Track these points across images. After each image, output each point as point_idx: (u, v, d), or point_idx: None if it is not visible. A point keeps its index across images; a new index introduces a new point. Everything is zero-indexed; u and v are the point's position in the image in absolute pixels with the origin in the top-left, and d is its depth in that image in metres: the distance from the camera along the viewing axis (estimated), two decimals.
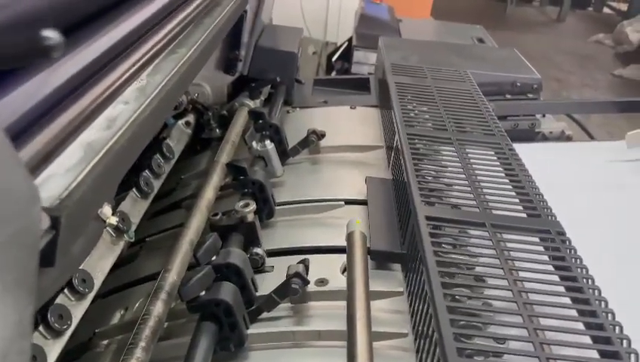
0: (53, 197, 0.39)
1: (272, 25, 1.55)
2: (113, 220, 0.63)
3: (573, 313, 0.61)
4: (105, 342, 0.81)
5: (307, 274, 0.75)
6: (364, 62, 2.90)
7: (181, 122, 1.33)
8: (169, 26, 0.73)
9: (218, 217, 0.82)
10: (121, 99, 0.58)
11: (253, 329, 0.71)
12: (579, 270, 0.67)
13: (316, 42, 4.12)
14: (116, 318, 0.85)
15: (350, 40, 3.11)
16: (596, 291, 0.64)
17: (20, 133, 0.40)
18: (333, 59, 3.13)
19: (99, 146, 0.47)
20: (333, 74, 2.65)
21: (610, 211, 0.98)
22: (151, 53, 0.65)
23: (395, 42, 1.55)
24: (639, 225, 0.94)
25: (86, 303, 0.81)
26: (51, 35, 0.37)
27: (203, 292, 0.66)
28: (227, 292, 0.66)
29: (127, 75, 0.60)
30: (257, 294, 0.76)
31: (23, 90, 0.41)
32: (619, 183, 1.07)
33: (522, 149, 1.25)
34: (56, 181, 0.40)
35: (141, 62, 0.63)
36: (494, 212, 0.78)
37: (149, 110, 0.57)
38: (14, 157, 0.30)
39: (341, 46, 3.24)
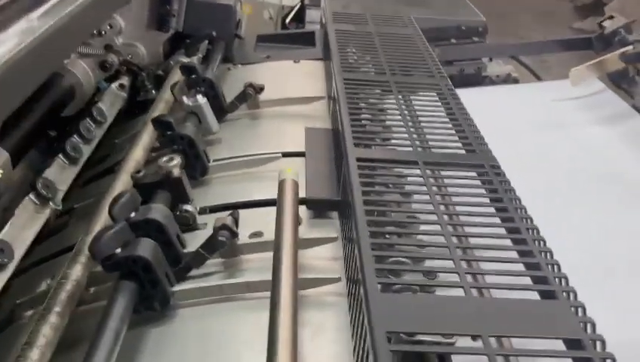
0: None
1: None
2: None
3: (505, 243, 0.59)
4: (29, 312, 0.76)
5: (237, 226, 0.71)
6: (318, 21, 2.83)
7: (114, 85, 1.26)
8: None
9: (141, 174, 0.77)
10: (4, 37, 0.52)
11: (181, 286, 0.67)
12: (511, 201, 0.65)
13: (273, 6, 4.00)
14: (43, 288, 0.80)
15: (303, 0, 3.02)
16: (528, 220, 0.62)
17: None
18: (287, 21, 3.04)
19: None
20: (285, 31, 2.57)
21: (549, 150, 0.97)
22: None
23: None
24: (576, 163, 0.94)
25: (6, 274, 0.76)
26: None
27: (119, 250, 0.62)
28: (145, 248, 0.62)
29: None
30: (186, 251, 0.72)
31: None
32: (560, 122, 1.07)
33: (468, 93, 1.23)
34: None
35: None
36: (430, 151, 0.75)
37: (33, 50, 0.51)
38: None
39: (294, 7, 3.15)
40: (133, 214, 0.67)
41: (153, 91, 1.27)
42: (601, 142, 1.01)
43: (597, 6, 5.13)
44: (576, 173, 0.96)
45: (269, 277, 0.65)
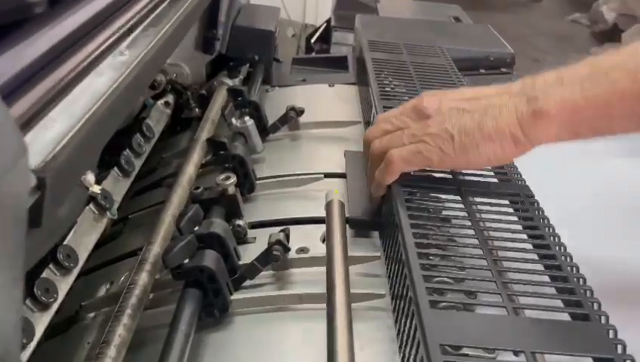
0: (37, 161, 0.41)
1: (250, 4, 1.55)
2: (97, 188, 0.64)
3: (539, 267, 0.65)
4: (91, 314, 0.82)
5: (288, 242, 0.77)
6: (343, 42, 2.90)
7: (160, 102, 1.33)
8: (145, 1, 0.74)
9: (199, 191, 0.84)
10: (101, 69, 0.59)
11: (237, 296, 0.73)
12: (546, 229, 0.70)
13: (295, 24, 4.10)
14: (102, 292, 0.87)
15: (329, 21, 3.11)
16: (562, 247, 0.67)
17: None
18: (312, 40, 3.13)
19: (81, 113, 0.48)
20: (318, 54, 2.65)
21: (571, 177, 1.02)
22: (129, 25, 0.66)
23: (371, 20, 1.56)
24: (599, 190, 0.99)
25: (71, 278, 0.83)
26: None
27: (187, 261, 0.68)
28: (210, 259, 0.69)
29: (107, 45, 0.62)
30: (241, 263, 0.78)
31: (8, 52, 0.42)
32: (583, 150, 1.12)
33: None
34: (40, 145, 0.42)
35: (120, 33, 0.64)
36: (466, 178, 0.81)
37: (129, 80, 0.58)
38: (5, 114, 0.32)
39: (320, 27, 3.24)
40: (196, 228, 0.74)
41: (196, 110, 1.34)
42: (626, 171, 1.05)
43: (614, 32, 5.19)
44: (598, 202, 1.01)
45: (319, 290, 0.71)
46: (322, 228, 0.85)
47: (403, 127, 0.75)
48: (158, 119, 1.31)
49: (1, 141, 0.31)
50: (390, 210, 0.75)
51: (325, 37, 3.07)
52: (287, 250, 0.75)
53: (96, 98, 0.53)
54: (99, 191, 0.65)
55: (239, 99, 1.11)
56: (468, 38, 1.45)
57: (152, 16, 0.78)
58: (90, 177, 0.59)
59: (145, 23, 0.75)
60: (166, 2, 0.86)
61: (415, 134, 0.73)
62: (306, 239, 0.85)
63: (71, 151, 0.45)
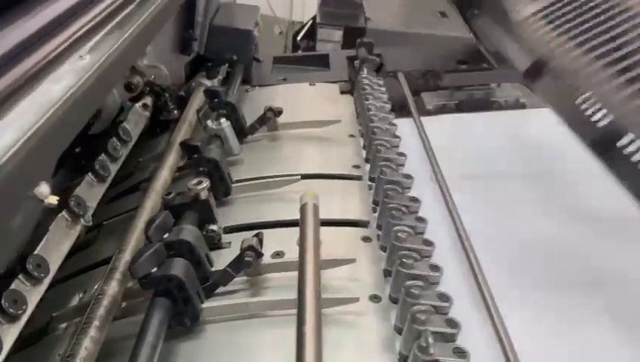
0: None
1: (228, 3, 1.53)
2: (53, 199, 0.62)
3: None
4: (63, 325, 0.81)
5: (262, 247, 0.76)
6: (329, 39, 2.88)
7: (138, 105, 1.31)
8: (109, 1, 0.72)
9: (171, 196, 0.82)
10: (59, 75, 0.57)
11: (209, 304, 0.72)
12: None
13: (282, 22, 4.07)
14: (75, 302, 0.85)
15: (314, 18, 3.08)
16: None
17: None
18: (299, 38, 3.10)
19: (32, 122, 0.47)
20: (300, 52, 2.64)
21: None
22: (91, 26, 0.64)
23: None
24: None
25: (42, 288, 0.81)
26: None
27: (155, 269, 0.67)
28: (179, 267, 0.67)
29: (65, 48, 0.60)
30: (214, 269, 0.76)
31: None
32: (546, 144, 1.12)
33: (478, 117, 1.29)
34: None
35: (80, 34, 0.62)
36: None
37: (88, 86, 0.56)
38: None
39: (306, 24, 3.21)
40: (166, 235, 0.72)
41: (175, 111, 1.32)
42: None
43: None
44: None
45: (292, 295, 0.70)
46: (298, 230, 0.83)
47: None
48: (136, 122, 1.28)
49: None
50: None
51: (311, 34, 3.05)
52: (259, 255, 0.74)
53: (49, 106, 0.51)
54: (55, 203, 0.63)
55: (215, 100, 1.09)
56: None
57: (118, 17, 0.76)
58: (45, 188, 0.57)
59: (110, 25, 0.73)
60: (133, 3, 0.84)
61: None
62: (281, 243, 0.83)
63: (19, 163, 0.43)
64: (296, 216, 0.85)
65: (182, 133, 1.11)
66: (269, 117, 1.11)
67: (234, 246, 0.84)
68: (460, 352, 0.57)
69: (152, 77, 1.35)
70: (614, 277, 0.81)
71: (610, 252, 0.85)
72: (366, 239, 0.86)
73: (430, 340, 0.56)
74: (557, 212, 0.95)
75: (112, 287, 0.71)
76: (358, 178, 1.02)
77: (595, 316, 0.74)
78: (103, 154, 1.11)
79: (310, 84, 1.38)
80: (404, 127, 1.15)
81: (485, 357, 0.63)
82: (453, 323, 0.60)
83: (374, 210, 0.91)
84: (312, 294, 0.66)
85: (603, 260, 0.85)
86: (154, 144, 1.28)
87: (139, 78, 1.31)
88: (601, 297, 0.77)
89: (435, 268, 0.69)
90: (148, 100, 1.34)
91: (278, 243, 0.83)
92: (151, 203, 0.88)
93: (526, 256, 0.85)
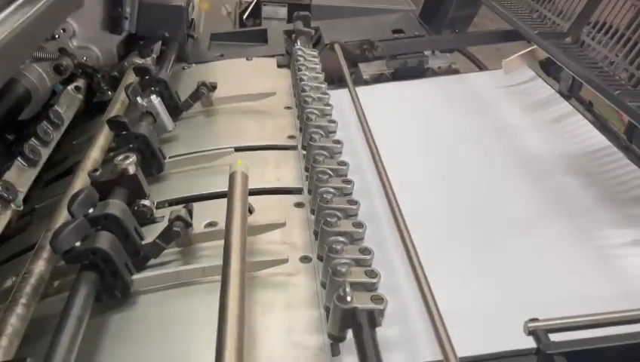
0: None
1: None
2: None
3: None
4: None
5: (191, 217, 0.76)
6: (274, 17, 2.86)
7: (70, 87, 1.28)
8: None
9: (98, 173, 0.82)
10: None
11: (140, 275, 0.72)
12: None
13: (230, 1, 3.99)
14: (8, 285, 0.84)
15: None
16: None
17: None
18: (244, 16, 3.06)
19: None
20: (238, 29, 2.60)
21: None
22: None
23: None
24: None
25: None
26: None
27: (78, 244, 0.67)
28: (103, 240, 0.67)
29: None
30: (144, 243, 0.77)
31: None
32: (487, 107, 1.17)
33: (411, 85, 1.32)
34: None
35: None
36: None
37: None
38: None
39: (252, 3, 3.17)
40: (91, 210, 0.72)
41: (109, 92, 1.30)
42: (518, 122, 1.11)
43: None
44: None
45: (221, 261, 0.71)
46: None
47: None
48: (68, 105, 1.26)
49: None
50: None
51: (257, 12, 3.02)
52: (188, 225, 0.75)
53: None
54: None
55: (146, 77, 1.08)
56: None
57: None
58: None
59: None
60: None
61: None
62: (215, 214, 0.84)
63: None
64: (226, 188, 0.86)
65: (114, 113, 1.09)
66: (203, 92, 1.11)
67: (167, 219, 0.85)
68: (378, 299, 0.60)
69: (84, 58, 1.32)
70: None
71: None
72: (298, 205, 0.88)
73: (348, 290, 0.59)
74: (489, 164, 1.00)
75: (39, 266, 0.71)
76: (293, 148, 1.03)
77: None
78: (33, 139, 1.09)
79: (247, 59, 1.38)
80: (343, 96, 1.17)
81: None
82: (372, 274, 0.63)
83: (307, 178, 0.92)
84: (237, 257, 0.67)
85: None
86: (89, 126, 1.26)
87: (68, 60, 1.28)
88: None
89: (358, 224, 0.72)
90: (80, 82, 1.31)
91: (212, 214, 0.84)
92: (80, 183, 0.87)
93: (453, 218, 0.89)
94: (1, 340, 0.61)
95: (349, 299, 0.59)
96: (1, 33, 0.60)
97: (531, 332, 0.60)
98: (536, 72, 1.29)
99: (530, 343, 0.60)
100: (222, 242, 0.76)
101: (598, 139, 1.05)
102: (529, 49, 1.27)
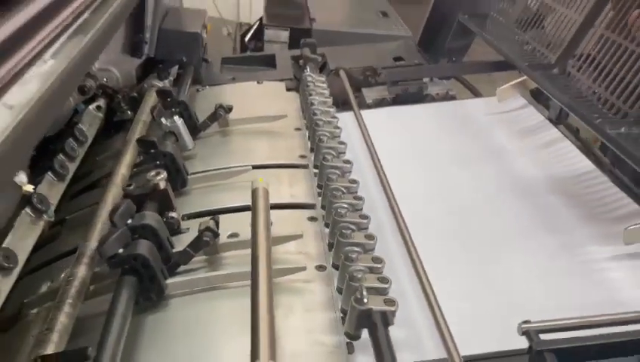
0: None
1: (176, 7, 1.59)
2: (29, 188, 0.68)
3: None
4: (34, 311, 0.87)
5: (218, 228, 0.84)
6: (276, 40, 2.97)
7: (92, 107, 1.36)
8: (68, 10, 0.79)
9: (132, 187, 0.89)
10: (28, 77, 0.64)
11: (172, 280, 0.80)
12: None
13: (230, 23, 4.11)
14: (44, 290, 0.91)
15: (261, 19, 3.16)
16: None
17: None
18: (246, 39, 3.17)
19: (12, 117, 0.54)
20: (248, 53, 2.72)
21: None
22: (51, 36, 0.71)
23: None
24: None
25: (12, 278, 0.86)
26: None
27: (121, 250, 0.74)
28: (143, 247, 0.75)
29: (30, 56, 0.66)
30: (175, 251, 0.84)
31: None
32: (478, 131, 1.27)
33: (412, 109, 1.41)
34: None
35: (43, 44, 0.69)
36: None
37: (55, 87, 0.64)
38: None
39: (253, 26, 3.28)
40: (129, 221, 0.80)
41: (129, 112, 1.38)
42: (510, 146, 1.20)
43: None
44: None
45: (245, 268, 0.79)
46: (250, 214, 0.92)
47: None
48: (90, 123, 1.33)
49: None
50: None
51: (259, 35, 3.13)
52: (216, 235, 0.83)
53: (17, 111, 0.58)
54: (32, 190, 0.69)
55: (168, 99, 1.17)
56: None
57: (77, 23, 0.83)
58: (23, 177, 0.64)
59: (69, 31, 0.80)
60: (90, 10, 0.91)
61: None
62: (236, 225, 0.92)
63: (12, 140, 0.50)
64: (249, 202, 0.94)
65: (137, 131, 1.17)
66: (220, 113, 1.19)
67: (192, 231, 0.92)
68: (390, 301, 0.68)
69: (105, 80, 1.41)
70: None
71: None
72: (312, 219, 0.96)
73: (364, 293, 0.67)
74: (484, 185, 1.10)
75: (81, 271, 0.78)
76: (305, 166, 1.12)
77: None
78: (60, 154, 1.16)
79: (258, 83, 1.47)
80: (348, 119, 1.27)
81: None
82: (384, 280, 0.71)
83: (319, 194, 1.01)
84: (264, 265, 0.75)
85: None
86: (110, 143, 1.33)
87: (91, 81, 1.36)
88: None
89: (370, 236, 0.80)
90: (101, 102, 1.39)
91: (233, 226, 0.92)
92: (112, 196, 0.95)
93: (451, 226, 0.99)
94: (53, 335, 0.69)
95: (365, 301, 0.67)
96: (59, 68, 0.68)
97: (524, 333, 0.68)
98: (528, 99, 1.40)
99: (523, 343, 0.68)
100: (244, 251, 0.85)
101: (584, 163, 1.15)
102: (520, 79, 1.37)
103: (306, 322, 0.76)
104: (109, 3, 0.98)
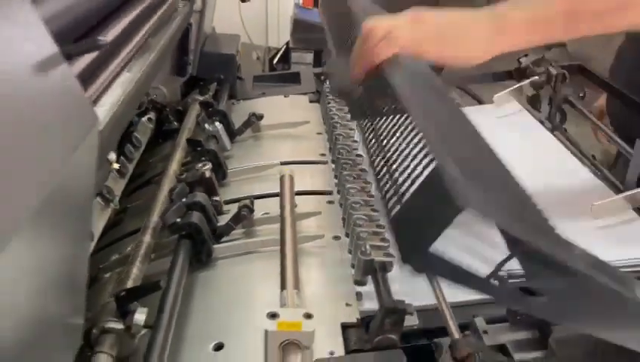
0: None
1: (214, 33, 1.84)
2: (116, 165, 0.90)
3: None
4: (108, 274, 1.08)
5: (253, 206, 1.05)
6: (301, 62, 3.23)
7: (144, 119, 1.60)
8: (137, 37, 1.02)
9: (184, 176, 1.11)
10: (118, 82, 0.87)
11: (217, 246, 1.01)
12: None
13: (259, 48, 4.40)
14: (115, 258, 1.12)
15: (287, 43, 3.42)
16: None
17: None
18: (274, 61, 3.44)
19: (106, 112, 0.76)
20: (276, 72, 2.95)
21: None
22: (130, 55, 0.95)
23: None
24: None
25: (90, 249, 1.09)
26: None
27: (179, 219, 0.95)
28: (196, 217, 0.96)
29: (116, 71, 0.89)
30: (219, 225, 1.05)
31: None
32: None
33: None
34: None
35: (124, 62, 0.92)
36: None
37: (130, 95, 0.86)
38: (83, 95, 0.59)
39: (280, 50, 3.55)
40: (184, 199, 1.01)
41: (175, 123, 1.61)
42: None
43: None
44: None
45: (275, 237, 0.99)
46: (278, 199, 1.13)
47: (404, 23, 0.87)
48: (143, 132, 1.57)
49: (80, 112, 0.58)
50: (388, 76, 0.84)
51: (285, 58, 3.39)
52: (251, 211, 1.03)
53: (114, 103, 0.81)
54: (118, 167, 0.90)
55: (210, 109, 1.39)
56: None
57: (144, 46, 1.07)
58: (112, 156, 0.85)
59: (140, 52, 1.04)
60: (150, 36, 1.14)
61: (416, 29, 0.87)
62: (267, 207, 1.12)
63: (109, 127, 0.72)
64: (277, 190, 1.15)
65: (184, 136, 1.40)
66: (253, 120, 1.41)
67: (231, 212, 1.13)
68: (389, 255, 0.87)
69: (155, 96, 1.65)
70: None
71: None
72: (330, 202, 1.15)
73: (368, 247, 0.86)
74: None
75: (147, 238, 1.00)
76: (324, 162, 1.32)
77: None
78: (121, 157, 1.40)
79: (285, 96, 1.69)
80: None
81: None
82: (385, 240, 0.90)
83: (336, 184, 1.21)
84: (290, 233, 0.95)
85: None
86: (159, 150, 1.56)
87: (144, 97, 1.61)
88: None
89: (374, 210, 0.99)
90: (152, 115, 1.63)
91: (265, 208, 1.12)
92: (167, 184, 1.17)
93: None
94: (128, 282, 0.90)
95: (368, 253, 0.86)
96: (137, 75, 0.91)
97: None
98: (523, 105, 1.57)
99: None
100: (274, 225, 1.05)
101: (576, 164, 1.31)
102: (516, 86, 1.55)
103: (323, 276, 0.95)
104: (164, 30, 1.22)
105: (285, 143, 1.41)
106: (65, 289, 0.65)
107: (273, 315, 0.69)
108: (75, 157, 0.56)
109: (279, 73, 2.01)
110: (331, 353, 0.78)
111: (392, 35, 0.85)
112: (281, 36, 4.22)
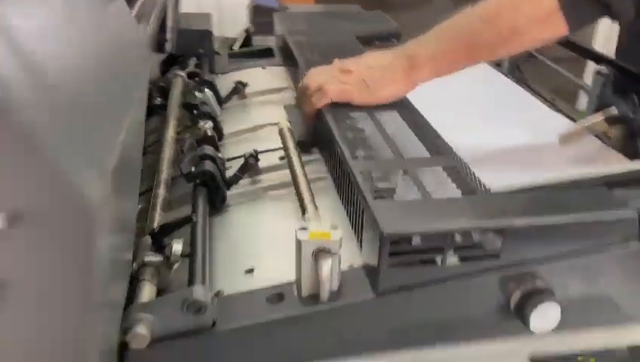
0: None
1: (187, 13, 1.89)
2: None
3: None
4: None
5: (257, 156, 1.13)
6: (264, 45, 3.28)
7: None
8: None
9: (187, 136, 1.17)
10: None
11: (229, 192, 1.08)
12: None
13: (217, 39, 4.37)
14: None
15: (247, 29, 3.46)
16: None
17: None
18: (236, 47, 3.46)
19: None
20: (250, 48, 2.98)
21: None
22: None
23: (286, 15, 1.95)
24: None
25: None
26: None
27: (193, 168, 1.02)
28: (209, 165, 1.03)
29: None
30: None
31: None
32: None
33: None
34: None
35: None
36: None
37: None
38: None
39: (237, 38, 3.58)
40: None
41: (159, 98, 1.65)
42: None
43: None
44: None
45: (281, 181, 1.07)
46: (276, 153, 1.21)
47: (332, 77, 1.14)
48: None
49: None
50: (325, 125, 1.11)
51: (247, 43, 3.42)
52: (257, 160, 1.11)
53: None
54: None
55: (196, 79, 1.45)
56: (364, 21, 1.87)
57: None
58: None
59: None
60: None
61: (343, 81, 1.13)
62: (266, 161, 1.20)
63: None
64: (271, 146, 1.22)
65: (173, 109, 1.45)
66: (240, 88, 1.48)
67: (233, 169, 1.20)
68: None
69: None
70: None
71: None
72: None
73: None
74: None
75: (161, 190, 1.06)
76: None
77: None
78: None
79: (262, 68, 1.76)
80: None
81: None
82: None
83: None
84: (300, 170, 1.04)
85: None
86: (148, 124, 1.60)
87: None
88: None
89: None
90: None
91: (264, 161, 1.20)
92: (168, 147, 1.22)
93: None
94: (154, 224, 0.96)
95: None
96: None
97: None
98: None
99: None
100: (278, 173, 1.13)
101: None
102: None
103: (338, 207, 1.04)
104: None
105: (270, 107, 1.49)
106: (121, 227, 0.71)
107: (303, 228, 0.78)
108: None
109: (253, 49, 2.08)
110: (350, 266, 0.87)
111: (322, 90, 1.12)
112: (237, 25, 4.23)
